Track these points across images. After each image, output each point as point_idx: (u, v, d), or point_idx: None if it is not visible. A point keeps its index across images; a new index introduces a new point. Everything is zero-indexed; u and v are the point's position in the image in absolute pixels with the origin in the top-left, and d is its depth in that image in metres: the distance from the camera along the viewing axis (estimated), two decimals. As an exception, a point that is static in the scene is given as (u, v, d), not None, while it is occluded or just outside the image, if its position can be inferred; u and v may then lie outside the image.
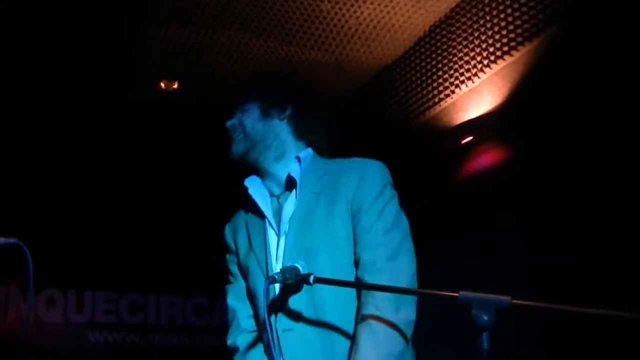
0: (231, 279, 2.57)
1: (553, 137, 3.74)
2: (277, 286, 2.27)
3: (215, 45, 4.90)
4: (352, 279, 2.23)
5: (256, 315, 2.42)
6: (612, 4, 3.47)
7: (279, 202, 2.42)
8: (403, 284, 2.15)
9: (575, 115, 3.61)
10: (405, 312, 2.14)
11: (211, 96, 5.59)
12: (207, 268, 6.17)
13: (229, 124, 2.52)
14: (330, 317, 2.21)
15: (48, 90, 5.36)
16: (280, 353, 2.22)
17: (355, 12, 4.48)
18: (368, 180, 2.28)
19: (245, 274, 2.47)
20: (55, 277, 5.81)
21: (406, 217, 2.31)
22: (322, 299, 2.22)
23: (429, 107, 4.74)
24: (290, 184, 2.39)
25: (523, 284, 3.33)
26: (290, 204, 2.35)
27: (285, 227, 2.34)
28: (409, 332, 2.15)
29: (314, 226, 2.27)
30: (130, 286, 6.27)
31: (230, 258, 2.59)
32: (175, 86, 5.46)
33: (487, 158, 4.18)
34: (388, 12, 4.47)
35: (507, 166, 4.03)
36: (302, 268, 2.12)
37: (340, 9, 4.46)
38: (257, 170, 2.49)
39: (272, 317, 2.25)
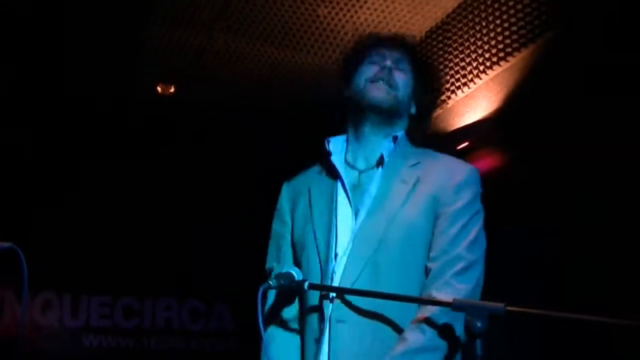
0: (272, 257, 2.41)
1: (549, 142, 3.74)
2: (335, 273, 2.14)
3: (212, 49, 4.91)
4: (419, 278, 2.11)
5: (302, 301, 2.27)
6: (607, 11, 3.48)
7: (359, 178, 2.27)
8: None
9: (570, 121, 3.62)
10: (452, 329, 2.00)
11: (208, 100, 5.60)
12: (204, 272, 6.21)
13: (389, 64, 2.31)
14: (392, 315, 2.09)
15: (46, 91, 5.36)
16: (328, 346, 2.10)
17: (352, 17, 4.48)
18: (462, 186, 2.17)
19: (297, 252, 2.30)
20: (50, 281, 5.81)
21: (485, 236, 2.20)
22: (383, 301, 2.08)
23: (425, 113, 4.74)
24: (379, 163, 2.26)
25: (517, 290, 3.34)
26: (374, 185, 2.23)
27: (364, 209, 2.20)
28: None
29: (394, 216, 2.15)
30: (125, 290, 6.26)
31: (279, 231, 2.41)
32: (172, 90, 5.46)
33: (483, 164, 4.18)
34: (384, 17, 4.48)
35: (503, 172, 4.04)
36: (296, 274, 2.11)
37: (336, 14, 4.46)
38: (354, 134, 2.33)
39: (328, 305, 2.13)
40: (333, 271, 2.15)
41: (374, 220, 2.17)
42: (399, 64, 2.33)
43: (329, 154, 2.29)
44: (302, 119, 5.59)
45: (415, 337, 2.00)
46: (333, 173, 2.30)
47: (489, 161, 4.18)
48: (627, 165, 3.27)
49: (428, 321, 2.00)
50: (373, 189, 2.22)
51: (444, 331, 2.00)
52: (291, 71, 5.15)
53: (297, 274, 2.11)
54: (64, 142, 5.80)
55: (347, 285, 2.11)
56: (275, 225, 2.43)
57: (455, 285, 2.04)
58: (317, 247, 2.21)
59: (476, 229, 2.15)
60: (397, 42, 2.39)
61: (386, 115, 2.28)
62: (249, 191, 6.19)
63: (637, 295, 3.01)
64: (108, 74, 5.21)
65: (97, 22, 4.55)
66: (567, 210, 3.55)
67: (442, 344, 2.00)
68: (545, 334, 3.40)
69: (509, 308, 1.67)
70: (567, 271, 3.46)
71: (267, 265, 2.40)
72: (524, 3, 3.95)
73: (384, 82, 2.29)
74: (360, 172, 2.28)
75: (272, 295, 2.32)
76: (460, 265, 2.07)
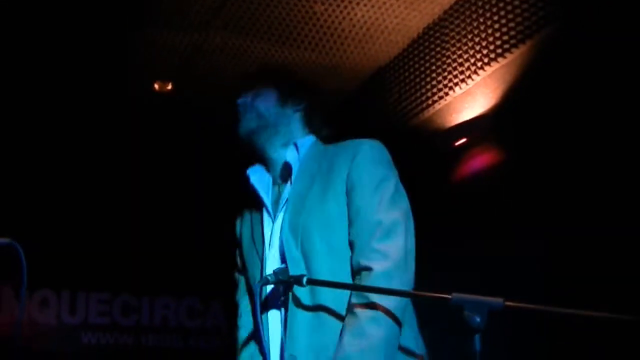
0: (237, 273, 2.60)
1: (547, 139, 3.75)
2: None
3: (209, 46, 4.90)
4: (347, 260, 2.19)
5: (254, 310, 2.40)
6: (604, 6, 3.48)
7: (279, 191, 2.42)
8: (397, 264, 2.10)
9: (569, 117, 3.62)
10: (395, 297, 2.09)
11: (205, 97, 5.60)
12: (201, 270, 6.22)
13: (241, 101, 2.52)
14: (329, 302, 2.17)
15: (44, 89, 5.36)
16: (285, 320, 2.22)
17: (348, 13, 4.48)
18: (361, 159, 2.26)
19: (245, 266, 2.48)
20: (49, 278, 5.81)
21: (406, 196, 2.27)
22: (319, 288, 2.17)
23: (423, 109, 4.74)
24: (287, 171, 2.39)
25: (517, 285, 3.34)
26: (287, 191, 2.36)
27: (280, 213, 2.34)
28: (399, 315, 2.09)
29: (307, 207, 2.26)
30: (124, 287, 6.27)
31: (237, 250, 2.61)
32: (170, 87, 5.46)
33: (481, 160, 4.19)
34: (382, 14, 4.48)
35: (501, 168, 4.04)
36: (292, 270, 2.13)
37: (333, 10, 4.46)
38: (261, 157, 2.50)
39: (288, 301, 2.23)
40: (265, 269, 2.31)
41: (291, 217, 2.28)
42: (258, 91, 2.52)
43: (247, 178, 2.48)
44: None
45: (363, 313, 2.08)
46: (258, 195, 2.46)
47: (487, 158, 4.18)
48: (626, 162, 3.27)
49: (361, 305, 2.09)
50: (285, 194, 2.36)
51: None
52: (288, 68, 5.14)
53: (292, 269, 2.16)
54: (62, 140, 5.80)
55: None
56: (236, 258, 2.63)
57: (382, 249, 2.12)
58: (257, 255, 2.39)
59: (388, 192, 2.22)
60: (256, 78, 2.59)
61: (265, 139, 2.47)
62: (245, 188, 6.19)
63: (636, 293, 3.02)
64: (105, 72, 5.21)
65: (94, 19, 4.55)
66: (566, 207, 3.56)
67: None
68: (543, 330, 3.40)
69: (508, 303, 1.68)
70: (566, 268, 3.46)
71: (235, 278, 2.63)
72: (521, -1, 3.96)
73: (249, 112, 2.49)
74: (279, 185, 2.45)
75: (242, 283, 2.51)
76: (379, 230, 2.15)
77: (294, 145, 2.41)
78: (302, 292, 2.19)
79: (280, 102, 2.49)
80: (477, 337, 1.67)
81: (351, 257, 2.19)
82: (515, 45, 4.02)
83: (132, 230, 6.03)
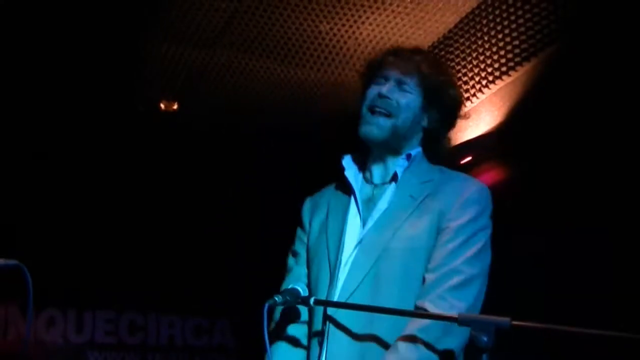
0: (292, 261, 2.46)
1: (552, 156, 3.75)
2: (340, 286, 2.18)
3: (215, 66, 4.92)
4: (419, 289, 2.11)
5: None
6: (608, 24, 3.49)
7: (373, 192, 2.32)
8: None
9: (574, 135, 3.62)
10: (445, 342, 2.01)
11: (211, 117, 5.61)
12: (207, 289, 6.22)
13: (385, 91, 2.31)
14: (384, 331, 2.10)
15: (49, 108, 5.38)
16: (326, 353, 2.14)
17: (354, 32, 4.50)
18: (468, 202, 2.18)
19: (310, 258, 2.37)
20: (55, 297, 5.81)
21: (491, 254, 2.20)
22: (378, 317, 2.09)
23: (428, 127, 4.74)
24: (393, 179, 2.30)
25: (522, 304, 3.33)
26: (385, 200, 2.26)
27: (372, 221, 2.24)
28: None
29: (399, 229, 2.17)
30: (130, 306, 6.27)
31: (300, 235, 2.48)
32: (175, 107, 5.48)
33: (486, 178, 4.18)
34: (387, 33, 4.49)
35: (506, 186, 4.04)
36: (302, 290, 2.12)
37: (339, 29, 4.48)
38: (370, 154, 2.37)
39: (327, 320, 2.16)
40: (337, 277, 2.19)
41: (378, 231, 2.20)
42: (403, 85, 2.33)
43: (342, 169, 2.34)
44: (304, 134, 5.61)
45: (406, 349, 2.01)
46: (348, 188, 2.34)
47: (492, 176, 4.18)
48: (630, 178, 3.27)
49: (421, 333, 2.00)
50: (383, 203, 2.26)
51: (437, 344, 2.00)
52: (294, 87, 5.16)
53: (302, 290, 2.12)
54: (67, 159, 5.81)
55: (348, 292, 2.14)
56: (298, 231, 2.50)
57: (450, 301, 2.04)
58: (327, 254, 2.26)
59: (479, 245, 2.15)
60: (403, 59, 2.38)
61: (383, 144, 2.32)
62: (251, 208, 6.20)
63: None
64: (111, 91, 5.23)
65: (100, 38, 4.57)
66: (571, 224, 3.55)
67: (434, 357, 2.00)
68: (551, 349, 3.39)
69: (515, 322, 1.68)
70: (572, 284, 3.45)
71: (288, 263, 2.47)
72: (525, 17, 3.96)
73: (381, 111, 2.31)
74: (375, 186, 2.33)
75: (277, 312, 2.34)
76: (456, 279, 2.07)
77: (407, 157, 2.31)
78: (352, 317, 2.12)
79: (420, 112, 2.34)
80: (484, 356, 1.67)
81: (419, 289, 2.12)
82: (520, 63, 4.03)
83: (138, 249, 6.03)
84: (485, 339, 1.68)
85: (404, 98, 2.31)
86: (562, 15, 3.75)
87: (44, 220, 5.76)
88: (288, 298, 2.06)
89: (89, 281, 5.91)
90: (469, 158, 4.38)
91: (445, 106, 2.37)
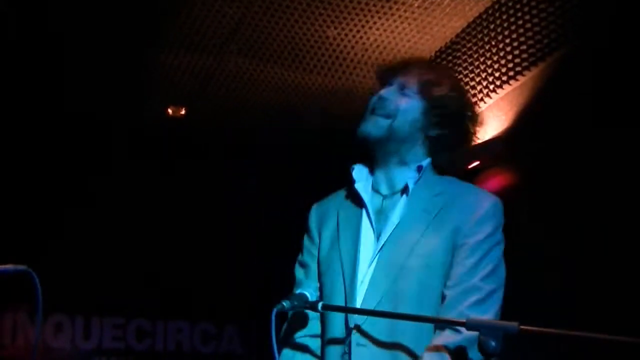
0: (301, 273, 2.41)
1: (559, 161, 3.74)
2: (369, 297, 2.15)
3: (223, 71, 4.93)
4: (437, 306, 2.11)
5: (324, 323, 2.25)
6: (615, 28, 3.49)
7: (382, 204, 2.28)
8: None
9: (582, 140, 3.61)
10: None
11: (219, 122, 5.62)
12: (215, 294, 6.22)
13: (385, 93, 2.33)
14: (408, 342, 2.09)
15: (58, 114, 5.40)
16: None
17: (361, 38, 4.50)
18: (484, 218, 2.17)
19: (322, 271, 2.32)
20: (63, 303, 5.82)
21: (505, 267, 2.19)
22: (403, 322, 2.09)
23: (436, 132, 4.74)
24: (403, 191, 2.26)
25: (530, 310, 3.32)
26: (397, 213, 2.22)
27: (385, 236, 2.20)
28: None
29: (415, 245, 2.15)
30: (137, 312, 6.27)
31: (309, 247, 2.42)
32: (183, 112, 5.49)
33: (494, 183, 4.18)
34: (394, 38, 4.50)
35: (514, 191, 4.03)
36: (310, 295, 2.10)
37: (346, 35, 4.49)
38: (374, 161, 2.33)
39: (352, 330, 2.13)
40: (355, 296, 2.16)
41: (394, 248, 2.18)
42: (404, 89, 2.32)
43: (352, 181, 2.31)
44: (313, 140, 5.61)
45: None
46: (358, 199, 2.31)
47: (499, 181, 4.17)
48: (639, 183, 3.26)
49: (445, 348, 2.00)
50: (396, 216, 2.22)
51: (460, 357, 1.99)
52: (301, 93, 5.17)
53: (310, 295, 2.11)
54: (75, 165, 5.83)
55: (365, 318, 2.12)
56: (305, 241, 2.44)
57: (472, 317, 2.01)
58: (342, 272, 2.22)
59: (495, 260, 2.15)
60: (407, 66, 2.39)
61: (381, 146, 2.29)
62: (260, 213, 6.20)
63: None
64: (119, 97, 5.24)
65: (109, 45, 4.59)
66: (580, 229, 3.54)
67: None
68: (559, 355, 3.38)
69: (523, 327, 1.67)
70: (581, 292, 3.44)
71: (297, 276, 2.41)
72: (532, 22, 3.96)
73: (379, 111, 2.30)
74: (384, 197, 2.29)
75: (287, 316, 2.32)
76: (476, 296, 2.07)
77: (418, 169, 2.27)
78: (376, 328, 2.11)
79: (423, 115, 2.30)
80: (492, 361, 1.67)
81: (439, 307, 2.11)
82: (527, 68, 4.02)
83: (146, 254, 6.03)
84: (493, 343, 1.67)
85: (403, 101, 2.30)
86: (569, 20, 3.75)
87: (53, 226, 5.78)
88: (296, 303, 2.04)
89: (96, 287, 5.91)
90: (476, 163, 4.37)
91: (448, 114, 2.32)
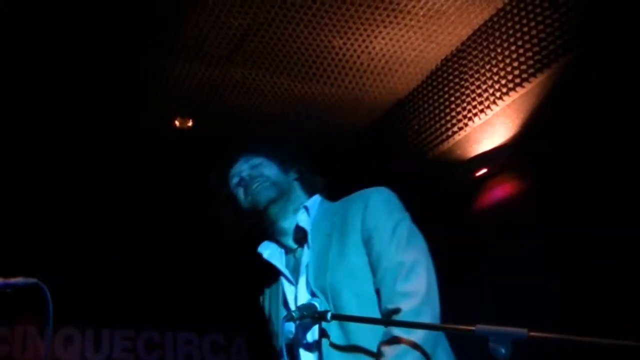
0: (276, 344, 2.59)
1: (567, 167, 3.74)
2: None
3: (229, 82, 4.94)
4: (377, 307, 2.20)
5: None
6: (621, 34, 3.49)
7: (295, 257, 2.47)
8: (423, 301, 2.11)
9: (589, 146, 3.61)
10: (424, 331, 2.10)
11: (225, 133, 5.62)
12: (224, 305, 6.21)
13: (245, 173, 2.58)
14: (362, 342, 2.17)
15: (64, 125, 5.41)
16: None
17: (367, 47, 4.51)
18: (373, 207, 2.31)
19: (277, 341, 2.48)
20: (73, 315, 5.83)
21: (422, 236, 2.30)
22: (354, 327, 2.19)
23: (443, 140, 4.75)
24: (301, 235, 2.44)
25: (540, 315, 3.32)
26: (306, 255, 2.38)
27: (302, 276, 2.36)
28: (428, 347, 2.10)
29: (331, 265, 2.27)
30: (147, 324, 6.27)
31: (270, 327, 2.62)
32: (190, 124, 5.50)
33: (502, 190, 4.18)
34: (400, 47, 4.51)
35: (522, 198, 4.03)
36: (319, 305, 2.12)
37: (352, 44, 4.49)
38: (269, 229, 2.55)
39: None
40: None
41: (315, 278, 2.30)
42: (255, 162, 2.61)
43: (259, 255, 2.54)
44: (319, 149, 5.61)
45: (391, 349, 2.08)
46: (275, 270, 2.51)
47: (507, 187, 4.17)
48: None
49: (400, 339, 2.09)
50: (305, 258, 2.38)
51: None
52: (307, 102, 5.17)
53: (319, 304, 2.13)
54: (84, 178, 5.84)
55: (327, 343, 2.23)
56: (268, 324, 2.67)
57: (407, 291, 2.13)
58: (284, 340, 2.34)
59: (404, 234, 2.25)
60: (248, 150, 2.69)
61: (280, 207, 2.50)
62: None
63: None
64: (126, 108, 5.25)
65: (115, 57, 4.60)
66: (588, 235, 3.54)
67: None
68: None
69: (532, 333, 1.67)
70: (588, 295, 3.44)
71: (276, 345, 2.58)
72: (538, 28, 3.97)
73: (261, 181, 2.53)
74: (294, 251, 2.49)
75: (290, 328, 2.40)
76: (401, 271, 2.16)
77: (305, 209, 2.46)
78: (336, 333, 2.20)
79: (284, 170, 2.58)
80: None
81: (379, 303, 2.20)
82: (533, 75, 4.02)
83: (155, 267, 6.04)
84: (502, 350, 1.67)
85: (260, 169, 2.57)
86: (575, 26, 3.75)
87: (64, 239, 5.79)
88: (305, 313, 2.08)
89: (106, 299, 5.92)
90: (484, 170, 4.38)
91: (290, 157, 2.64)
